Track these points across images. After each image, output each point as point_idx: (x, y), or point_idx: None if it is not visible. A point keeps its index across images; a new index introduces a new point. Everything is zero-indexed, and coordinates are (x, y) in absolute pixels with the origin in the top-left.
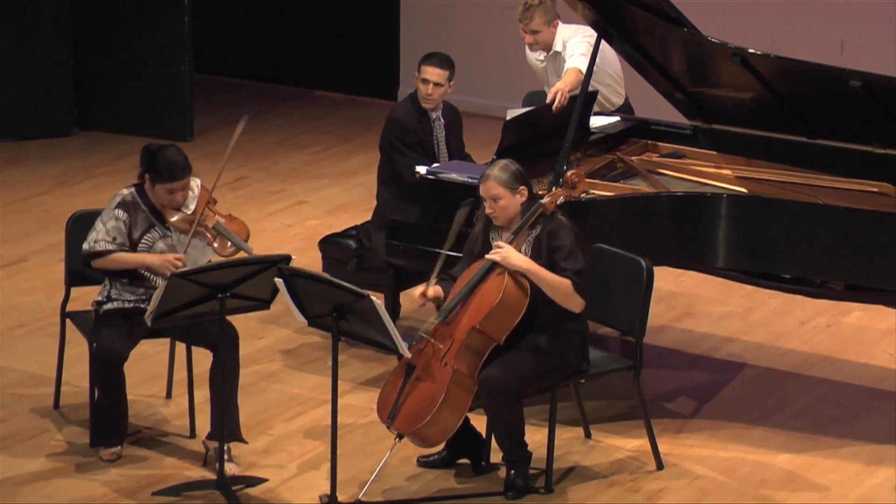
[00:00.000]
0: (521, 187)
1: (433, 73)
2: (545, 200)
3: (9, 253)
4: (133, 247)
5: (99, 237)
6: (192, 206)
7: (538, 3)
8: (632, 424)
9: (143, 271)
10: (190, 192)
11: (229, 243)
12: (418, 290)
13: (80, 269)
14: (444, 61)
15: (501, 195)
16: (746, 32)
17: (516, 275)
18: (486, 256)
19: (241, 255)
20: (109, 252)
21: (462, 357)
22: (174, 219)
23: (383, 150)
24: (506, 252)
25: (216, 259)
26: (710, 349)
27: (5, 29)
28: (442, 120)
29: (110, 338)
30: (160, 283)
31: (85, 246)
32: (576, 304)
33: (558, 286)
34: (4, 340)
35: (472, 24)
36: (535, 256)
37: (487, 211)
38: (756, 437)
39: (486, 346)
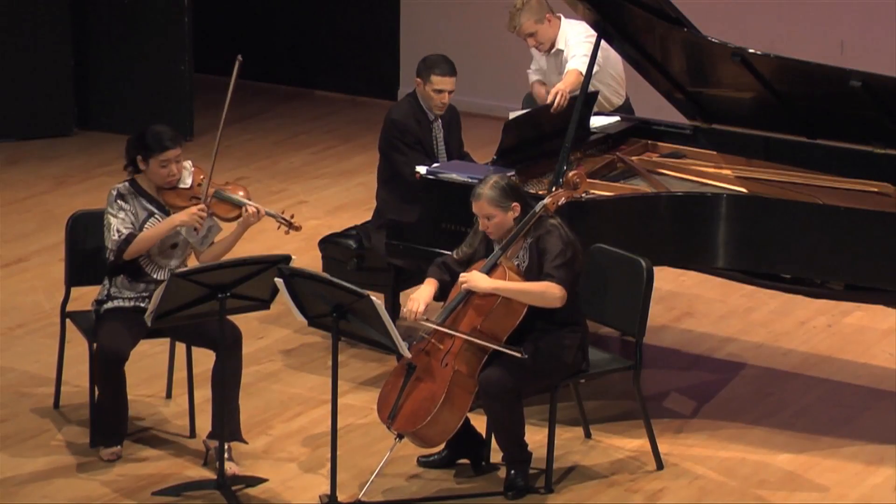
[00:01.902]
0: (514, 203)
1: (448, 82)
2: (546, 201)
3: (9, 253)
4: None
5: (118, 226)
6: (189, 181)
7: (521, 6)
8: (632, 424)
9: (142, 265)
10: (185, 170)
11: (232, 206)
12: (413, 307)
13: (80, 269)
14: (452, 66)
15: (494, 214)
16: (746, 32)
17: (518, 276)
18: (461, 287)
19: (249, 208)
20: (134, 236)
21: (463, 357)
22: (174, 199)
23: (383, 151)
24: (469, 279)
25: (223, 226)
26: (710, 349)
27: (5, 29)
28: (440, 121)
29: (112, 337)
30: (162, 276)
31: (111, 242)
32: (553, 297)
33: (531, 292)
34: (4, 340)
35: (472, 24)
36: (532, 264)
37: (481, 228)
38: (756, 437)
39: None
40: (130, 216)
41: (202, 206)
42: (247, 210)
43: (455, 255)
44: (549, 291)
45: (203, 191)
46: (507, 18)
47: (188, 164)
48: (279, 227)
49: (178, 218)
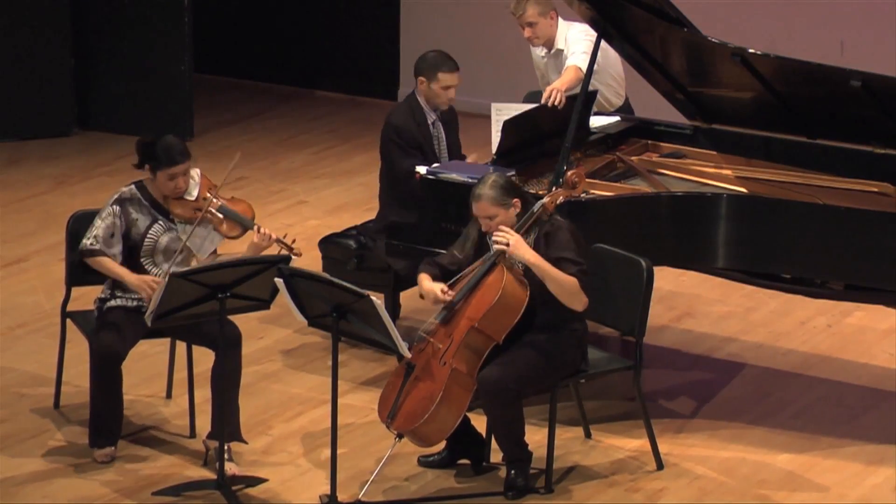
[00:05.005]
0: (514, 200)
1: (456, 78)
2: (545, 200)
3: (9, 253)
4: (137, 244)
5: (97, 234)
6: (195, 193)
7: None
8: (632, 424)
9: (147, 269)
10: (191, 181)
11: (237, 225)
12: (437, 288)
13: (81, 268)
14: (455, 62)
15: (496, 213)
16: (746, 32)
17: (515, 274)
18: (494, 240)
19: (262, 231)
20: (100, 253)
21: (461, 356)
22: (178, 209)
23: (383, 155)
24: (516, 242)
25: (225, 242)
26: (710, 349)
27: (5, 29)
28: (440, 121)
29: (109, 336)
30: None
31: (84, 241)
32: (580, 301)
33: (564, 283)
34: (4, 340)
35: (472, 24)
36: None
37: (484, 229)
38: (756, 437)
39: (486, 345)
40: (117, 224)
41: (157, 279)
42: (259, 232)
43: (444, 262)
44: (579, 294)
45: (204, 209)
46: (513, 1)
47: (195, 173)
48: (280, 251)
49: (130, 279)
